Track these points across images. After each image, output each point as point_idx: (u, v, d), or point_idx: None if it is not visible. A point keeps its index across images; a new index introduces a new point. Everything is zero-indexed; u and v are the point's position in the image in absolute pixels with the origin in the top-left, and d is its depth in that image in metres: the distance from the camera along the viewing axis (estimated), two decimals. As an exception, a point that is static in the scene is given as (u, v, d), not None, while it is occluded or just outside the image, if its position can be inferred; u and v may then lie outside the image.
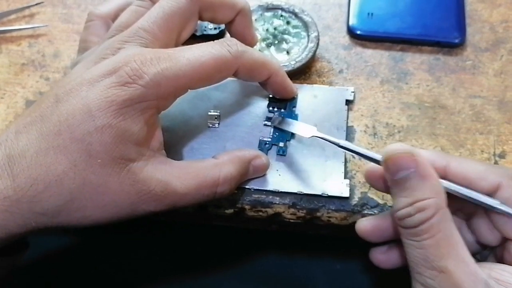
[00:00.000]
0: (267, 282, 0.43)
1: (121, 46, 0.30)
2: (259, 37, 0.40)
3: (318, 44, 0.39)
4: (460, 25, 0.41)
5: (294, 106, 0.38)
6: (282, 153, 0.36)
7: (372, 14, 0.42)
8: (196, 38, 0.41)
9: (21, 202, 0.28)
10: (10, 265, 0.32)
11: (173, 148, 0.37)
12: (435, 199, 0.26)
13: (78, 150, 0.28)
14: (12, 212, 0.28)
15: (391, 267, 0.33)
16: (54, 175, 0.28)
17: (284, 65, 0.39)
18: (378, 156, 0.29)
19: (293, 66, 0.39)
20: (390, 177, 0.28)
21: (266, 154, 0.36)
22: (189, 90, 0.31)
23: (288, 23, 0.40)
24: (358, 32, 0.41)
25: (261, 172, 0.35)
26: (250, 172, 0.35)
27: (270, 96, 0.38)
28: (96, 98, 0.28)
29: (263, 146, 0.36)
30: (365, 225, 0.32)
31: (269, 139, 0.37)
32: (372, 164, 0.30)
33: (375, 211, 0.35)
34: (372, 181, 0.31)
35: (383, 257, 0.33)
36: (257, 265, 0.43)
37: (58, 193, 0.28)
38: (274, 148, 0.37)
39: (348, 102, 0.38)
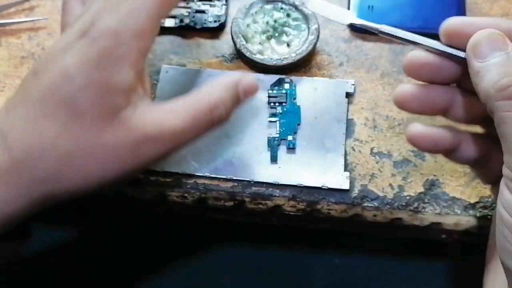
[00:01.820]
0: (266, 276, 0.43)
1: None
2: (259, 29, 0.40)
3: (318, 36, 0.39)
4: (461, 18, 0.41)
5: (295, 98, 0.38)
6: (292, 147, 0.36)
7: (372, 7, 0.42)
8: (196, 31, 0.41)
9: (21, 173, 0.28)
10: (13, 251, 0.32)
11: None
12: None
13: (66, 113, 0.28)
14: (13, 185, 0.28)
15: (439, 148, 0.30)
16: (47, 141, 0.28)
17: (285, 58, 0.39)
18: (458, 51, 0.27)
19: (293, 58, 0.39)
20: (480, 61, 0.25)
21: (276, 150, 0.36)
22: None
23: (288, 15, 0.40)
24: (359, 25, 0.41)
25: (252, 93, 0.34)
26: (241, 95, 0.33)
27: (269, 90, 0.38)
28: (72, 60, 0.28)
29: (273, 143, 0.36)
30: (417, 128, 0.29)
31: (277, 135, 0.37)
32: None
33: (375, 204, 0.35)
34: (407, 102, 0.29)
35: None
36: (256, 258, 0.43)
37: (55, 157, 0.28)
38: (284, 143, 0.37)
39: (348, 95, 0.38)
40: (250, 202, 0.36)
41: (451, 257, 0.44)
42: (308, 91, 0.38)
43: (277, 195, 0.35)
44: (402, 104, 0.29)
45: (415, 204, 0.35)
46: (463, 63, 0.27)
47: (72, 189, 0.29)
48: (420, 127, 0.29)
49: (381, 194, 0.35)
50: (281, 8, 0.41)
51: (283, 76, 0.39)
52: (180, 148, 0.32)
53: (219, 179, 0.36)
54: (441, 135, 0.29)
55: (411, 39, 0.29)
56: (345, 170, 0.36)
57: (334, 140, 0.37)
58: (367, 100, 0.39)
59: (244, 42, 0.39)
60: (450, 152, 0.29)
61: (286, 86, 0.38)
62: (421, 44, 0.28)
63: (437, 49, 0.28)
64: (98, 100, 0.28)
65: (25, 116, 0.28)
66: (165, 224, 0.44)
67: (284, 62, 0.39)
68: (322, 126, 0.37)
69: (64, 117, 0.28)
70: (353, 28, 0.41)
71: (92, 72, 0.28)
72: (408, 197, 0.35)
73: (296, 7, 0.40)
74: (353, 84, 0.39)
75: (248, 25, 0.40)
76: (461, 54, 0.27)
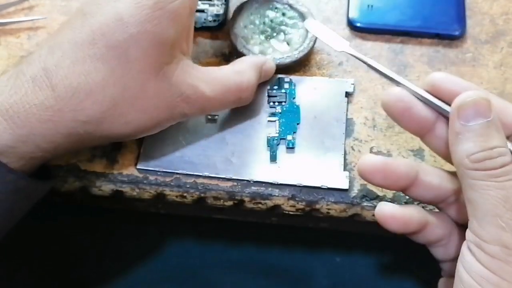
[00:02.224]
0: (266, 275, 0.43)
1: None
2: (257, 30, 0.40)
3: None
4: (460, 17, 0.41)
5: (294, 98, 0.38)
6: (291, 146, 0.36)
7: (372, 6, 0.42)
8: (195, 30, 0.41)
9: (64, 112, 0.28)
10: (42, 191, 0.32)
11: (172, 140, 0.37)
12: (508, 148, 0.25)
13: (115, 57, 0.28)
14: (55, 122, 0.28)
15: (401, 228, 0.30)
16: (94, 83, 0.28)
17: (288, 56, 0.38)
18: (443, 105, 0.27)
19: (296, 56, 0.38)
20: (462, 123, 0.25)
21: (276, 150, 0.36)
22: None
23: (283, 14, 0.40)
24: (358, 25, 0.41)
25: (269, 76, 0.37)
26: (262, 76, 0.36)
27: (269, 89, 0.38)
28: (127, 6, 0.29)
29: (272, 142, 0.36)
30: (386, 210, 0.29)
31: (277, 134, 0.37)
32: (368, 157, 0.29)
33: (375, 203, 0.35)
34: (370, 174, 0.29)
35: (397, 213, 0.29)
36: (256, 257, 0.43)
37: (100, 100, 0.29)
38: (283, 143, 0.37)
39: (348, 94, 0.38)
40: (250, 201, 0.36)
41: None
42: (308, 90, 0.38)
43: (277, 194, 0.35)
44: (365, 176, 0.29)
45: (415, 204, 0.35)
46: (441, 113, 0.27)
47: (109, 134, 0.30)
48: (391, 207, 0.29)
49: (380, 194, 0.35)
50: (276, 8, 0.41)
51: (282, 76, 0.39)
52: (203, 114, 0.34)
53: (218, 178, 0.36)
54: (412, 215, 0.29)
55: (396, 79, 0.29)
56: (345, 169, 0.36)
57: (333, 140, 0.37)
58: (366, 100, 0.39)
59: (245, 44, 0.39)
60: (415, 233, 0.29)
61: (286, 85, 0.38)
62: (406, 87, 0.28)
63: (421, 96, 0.28)
64: (148, 51, 0.29)
65: (72, 55, 0.28)
66: (166, 224, 0.44)
67: (288, 60, 0.38)
68: (321, 126, 0.37)
69: (113, 62, 0.28)
70: (352, 27, 0.41)
71: (145, 22, 0.28)
72: (407, 197, 0.35)
73: (291, 6, 0.40)
74: (353, 84, 0.39)
75: (245, 27, 0.40)
76: (446, 107, 0.27)
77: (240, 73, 0.34)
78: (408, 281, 0.43)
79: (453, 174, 0.29)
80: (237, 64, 0.34)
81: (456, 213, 0.29)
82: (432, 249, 0.31)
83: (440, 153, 0.29)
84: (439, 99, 0.27)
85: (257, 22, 0.40)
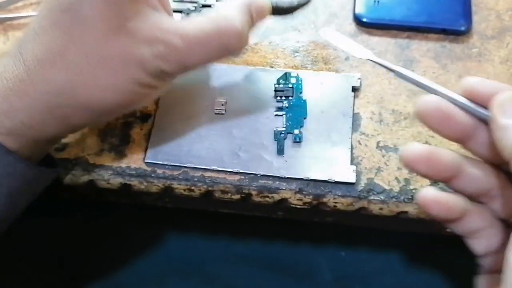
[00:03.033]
0: (272, 269, 0.43)
1: None
2: None
3: None
4: (466, 13, 0.41)
5: (301, 92, 0.38)
6: (298, 140, 0.36)
7: (378, 1, 0.42)
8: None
9: (36, 84, 0.28)
10: (46, 180, 0.33)
11: (180, 134, 0.37)
12: None
13: (70, 20, 0.28)
14: (30, 95, 0.28)
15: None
16: (55, 52, 0.28)
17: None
18: (483, 109, 0.26)
19: (296, 2, 0.37)
20: (506, 118, 0.25)
21: (283, 144, 0.36)
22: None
23: None
24: (365, 20, 0.41)
25: (263, 16, 0.33)
26: (254, 18, 0.33)
27: (276, 84, 0.38)
28: None
29: (279, 136, 0.37)
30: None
31: (284, 128, 0.37)
32: (412, 145, 0.27)
33: (381, 197, 0.35)
34: (413, 162, 0.27)
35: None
36: (262, 252, 0.44)
37: (65, 68, 0.28)
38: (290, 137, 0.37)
39: (355, 89, 0.38)
40: (257, 195, 0.36)
41: (458, 251, 0.44)
42: (314, 85, 0.39)
43: (284, 188, 0.36)
44: (408, 164, 0.27)
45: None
46: (480, 118, 0.26)
47: (90, 103, 0.29)
48: (435, 192, 0.27)
49: (387, 188, 0.35)
50: None
51: (289, 71, 0.39)
52: (187, 69, 0.31)
53: (226, 172, 0.36)
54: (455, 202, 0.28)
55: (432, 87, 0.27)
56: (351, 163, 0.36)
57: (340, 134, 0.37)
58: (373, 94, 0.39)
59: None
60: (454, 221, 0.29)
61: (293, 80, 0.39)
62: (443, 94, 0.27)
63: (457, 102, 0.26)
64: (104, 8, 0.28)
65: (36, 26, 0.29)
66: (170, 217, 0.44)
67: (287, 4, 0.37)
68: (328, 120, 0.37)
69: (69, 26, 0.28)
70: (359, 22, 0.42)
71: None
72: (414, 191, 0.35)
73: None
74: (359, 78, 0.39)
75: None
76: (483, 111, 0.26)
77: (223, 17, 0.31)
78: (413, 275, 0.43)
79: (496, 167, 0.28)
80: (220, 9, 0.32)
81: (499, 206, 0.28)
82: (470, 241, 0.30)
83: (484, 157, 0.28)
84: (477, 103, 0.27)
85: None
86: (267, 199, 0.36)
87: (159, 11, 0.31)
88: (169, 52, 0.29)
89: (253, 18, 0.32)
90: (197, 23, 0.30)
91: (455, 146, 0.27)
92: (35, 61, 0.28)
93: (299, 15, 0.41)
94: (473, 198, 0.29)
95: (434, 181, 0.35)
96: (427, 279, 0.42)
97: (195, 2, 0.42)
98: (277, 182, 0.36)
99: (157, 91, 0.33)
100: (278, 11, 0.36)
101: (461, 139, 0.27)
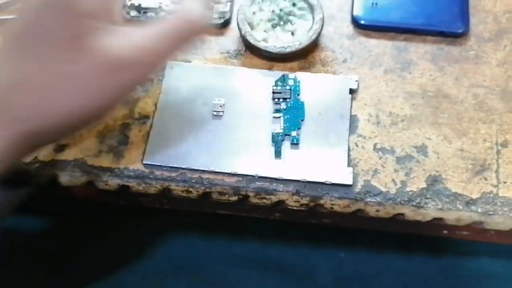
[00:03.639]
0: (271, 269, 0.43)
1: None
2: (264, 17, 0.40)
3: (322, 26, 0.39)
4: (464, 15, 0.41)
5: (298, 94, 0.38)
6: (296, 142, 0.37)
7: (376, 4, 0.42)
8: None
9: (1, 112, 0.28)
10: (14, 200, 0.32)
11: (178, 135, 0.37)
12: None
13: (24, 43, 0.28)
14: None
15: None
16: (15, 77, 0.28)
17: (289, 46, 0.39)
18: None
19: (297, 47, 0.39)
20: None
21: (280, 146, 0.37)
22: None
23: (294, 4, 0.41)
24: (362, 22, 0.41)
25: (196, 36, 0.31)
26: (183, 41, 0.31)
27: (274, 86, 0.39)
28: None
29: (277, 138, 0.37)
30: None
31: (282, 130, 0.37)
32: None
33: (378, 199, 0.35)
34: None
35: None
36: (260, 252, 0.44)
37: (27, 92, 0.28)
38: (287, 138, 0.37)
39: (352, 91, 0.39)
40: (254, 196, 0.36)
41: (454, 252, 0.44)
42: (312, 87, 0.39)
43: (281, 190, 0.36)
44: None
45: (418, 200, 0.35)
46: None
47: (52, 123, 0.29)
48: None
49: (384, 190, 0.36)
50: None
51: (287, 72, 0.39)
52: (140, 82, 0.31)
53: (223, 173, 0.36)
54: None
55: None
56: (348, 165, 0.36)
57: (337, 136, 0.37)
58: (370, 96, 0.39)
59: (249, 29, 0.39)
60: None
61: (290, 82, 0.39)
62: None
63: None
64: (57, 26, 0.28)
65: (3, 50, 0.28)
66: (168, 218, 0.44)
67: (288, 50, 0.39)
68: (325, 122, 0.37)
69: (24, 49, 0.28)
70: (356, 24, 0.42)
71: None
72: (410, 193, 0.35)
73: None
74: (357, 81, 0.39)
75: (254, 13, 0.40)
76: None
77: (149, 37, 0.30)
78: (412, 277, 0.43)
79: None
80: (151, 27, 0.30)
81: None
82: None
83: None
84: None
85: (266, 9, 0.40)
86: (265, 200, 0.36)
87: (111, 25, 0.30)
88: (118, 65, 0.29)
89: (182, 41, 0.31)
90: (138, 37, 0.30)
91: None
92: (1, 89, 0.28)
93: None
94: None
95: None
96: (426, 281, 0.43)
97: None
98: (275, 184, 0.36)
99: (127, 96, 0.32)
100: (279, 57, 0.39)
101: None
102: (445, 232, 0.38)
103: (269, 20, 0.40)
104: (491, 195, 0.35)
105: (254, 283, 0.43)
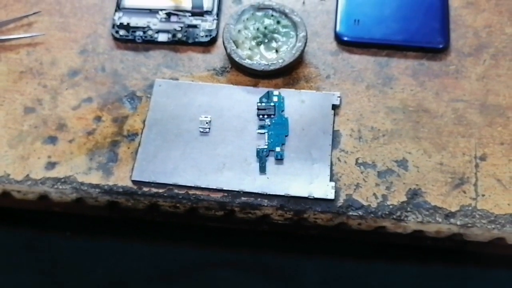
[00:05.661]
0: (260, 273, 0.44)
1: None
2: (249, 35, 0.41)
3: (306, 43, 0.40)
4: (444, 31, 0.42)
5: (283, 110, 0.39)
6: (280, 158, 0.38)
7: (358, 21, 0.43)
8: (188, 45, 0.43)
9: None
10: None
11: (165, 152, 0.38)
12: None
13: None
14: None
15: None
16: None
17: (272, 63, 0.40)
18: None
19: (280, 64, 0.40)
20: None
21: (265, 161, 0.38)
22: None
23: (278, 22, 0.42)
24: (345, 39, 0.42)
25: None
26: None
27: (258, 102, 0.40)
28: None
29: (262, 154, 0.38)
30: None
31: (266, 146, 0.38)
32: None
33: (360, 213, 0.36)
34: None
35: None
36: (251, 261, 0.45)
37: None
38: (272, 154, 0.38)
39: (335, 107, 0.40)
40: (240, 211, 0.37)
41: (440, 262, 0.45)
42: (296, 103, 0.40)
43: (266, 204, 0.37)
44: None
45: (398, 213, 0.36)
46: None
47: None
48: None
49: (365, 203, 0.37)
50: (272, 15, 0.42)
51: (272, 89, 0.40)
52: None
53: (209, 189, 0.37)
54: None
55: None
56: (331, 180, 0.37)
57: (320, 151, 0.38)
58: (352, 112, 0.40)
59: (234, 48, 0.41)
60: None
61: (275, 98, 0.40)
62: None
63: None
64: None
65: None
66: (159, 229, 0.45)
67: (272, 67, 0.40)
68: (309, 138, 0.38)
69: None
70: (340, 41, 0.43)
71: None
72: (391, 206, 0.36)
73: (286, 15, 0.42)
74: (339, 97, 0.40)
75: (239, 31, 0.41)
76: None
77: None
78: (400, 284, 0.44)
79: None
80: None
81: None
82: None
83: None
84: None
85: (251, 27, 0.41)
86: (250, 215, 0.37)
87: None
88: None
89: None
90: None
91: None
92: None
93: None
94: None
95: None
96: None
97: (182, 23, 0.43)
98: (259, 199, 0.37)
99: None
100: (264, 74, 0.41)
101: None
102: (429, 242, 0.39)
103: (254, 38, 0.41)
104: (470, 208, 0.36)
105: (242, 286, 0.44)
